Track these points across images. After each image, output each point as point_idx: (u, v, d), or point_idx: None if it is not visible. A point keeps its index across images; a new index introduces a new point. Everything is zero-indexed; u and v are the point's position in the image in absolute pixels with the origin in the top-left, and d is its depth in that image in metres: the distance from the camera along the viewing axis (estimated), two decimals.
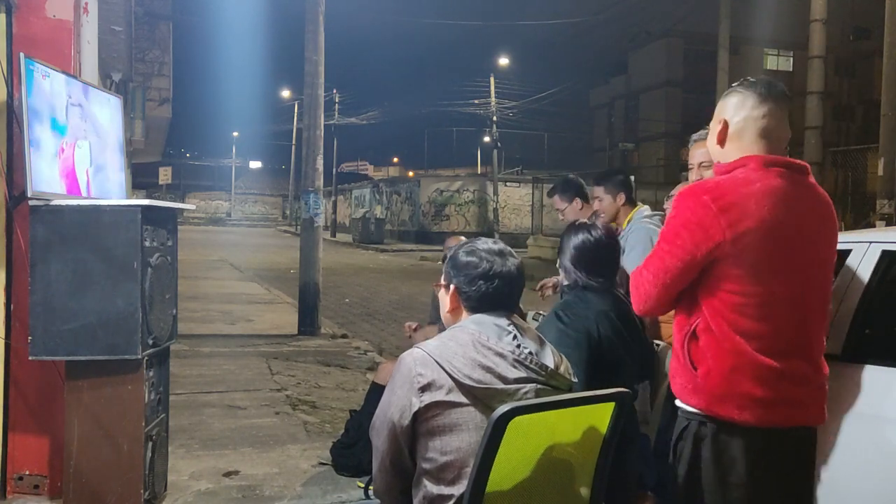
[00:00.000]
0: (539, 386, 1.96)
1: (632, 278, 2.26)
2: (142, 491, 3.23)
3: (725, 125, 2.17)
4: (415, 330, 4.68)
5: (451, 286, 2.10)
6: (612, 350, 2.57)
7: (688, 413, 2.14)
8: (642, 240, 3.66)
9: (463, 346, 1.95)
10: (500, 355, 1.95)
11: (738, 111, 2.15)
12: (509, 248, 2.15)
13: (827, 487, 2.41)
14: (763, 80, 2.17)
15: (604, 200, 3.97)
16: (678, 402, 2.18)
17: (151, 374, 3.40)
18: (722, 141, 2.19)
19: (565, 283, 2.76)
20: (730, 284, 2.04)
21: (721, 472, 2.05)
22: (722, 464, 2.05)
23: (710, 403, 2.06)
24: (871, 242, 2.62)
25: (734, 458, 2.05)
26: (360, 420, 4.46)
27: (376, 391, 4.31)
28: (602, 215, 3.92)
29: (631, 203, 3.97)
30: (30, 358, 3.17)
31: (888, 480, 2.26)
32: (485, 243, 2.12)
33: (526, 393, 1.94)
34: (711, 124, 2.26)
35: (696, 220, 2.04)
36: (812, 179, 2.17)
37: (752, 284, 2.03)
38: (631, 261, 3.72)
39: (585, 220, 2.85)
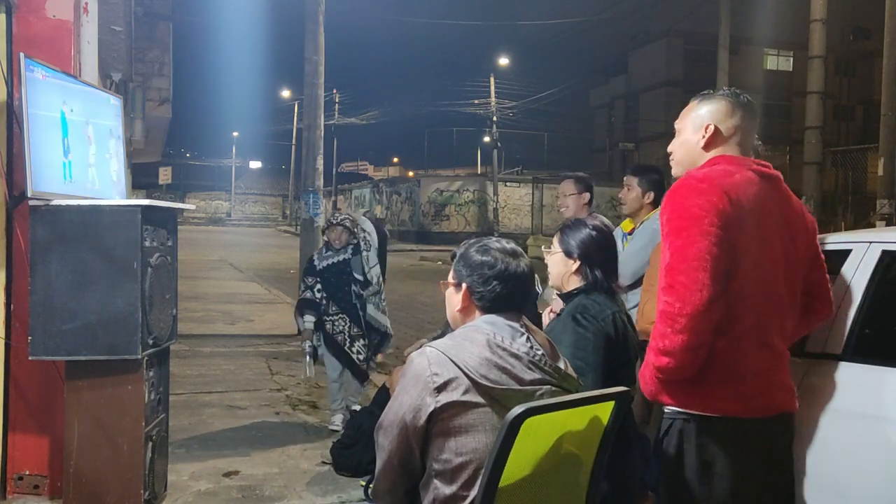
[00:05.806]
0: (553, 388, 1.95)
1: (664, 285, 2.03)
2: (142, 491, 3.23)
3: (716, 130, 2.19)
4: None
5: (463, 285, 2.06)
6: (625, 351, 2.54)
7: (672, 412, 2.14)
8: (648, 234, 3.67)
9: (478, 347, 1.92)
10: (516, 357, 1.93)
11: (727, 118, 2.19)
12: (520, 249, 2.12)
13: (826, 487, 2.41)
14: (737, 92, 2.25)
15: (633, 192, 3.96)
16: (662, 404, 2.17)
17: (151, 374, 3.39)
18: (709, 145, 2.20)
19: (578, 284, 2.62)
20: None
21: (706, 465, 2.07)
22: (707, 457, 2.07)
23: (694, 402, 2.07)
24: (871, 242, 2.62)
25: (719, 451, 2.06)
26: (360, 420, 4.45)
27: (385, 393, 4.28)
28: (623, 205, 4.03)
29: (655, 205, 3.89)
30: (30, 358, 3.17)
31: (888, 480, 2.25)
32: (497, 242, 2.09)
33: (542, 395, 1.92)
34: (684, 125, 2.28)
35: (703, 201, 2.00)
36: (772, 171, 2.21)
37: (739, 271, 2.03)
38: (631, 252, 3.73)
39: (581, 217, 2.79)
